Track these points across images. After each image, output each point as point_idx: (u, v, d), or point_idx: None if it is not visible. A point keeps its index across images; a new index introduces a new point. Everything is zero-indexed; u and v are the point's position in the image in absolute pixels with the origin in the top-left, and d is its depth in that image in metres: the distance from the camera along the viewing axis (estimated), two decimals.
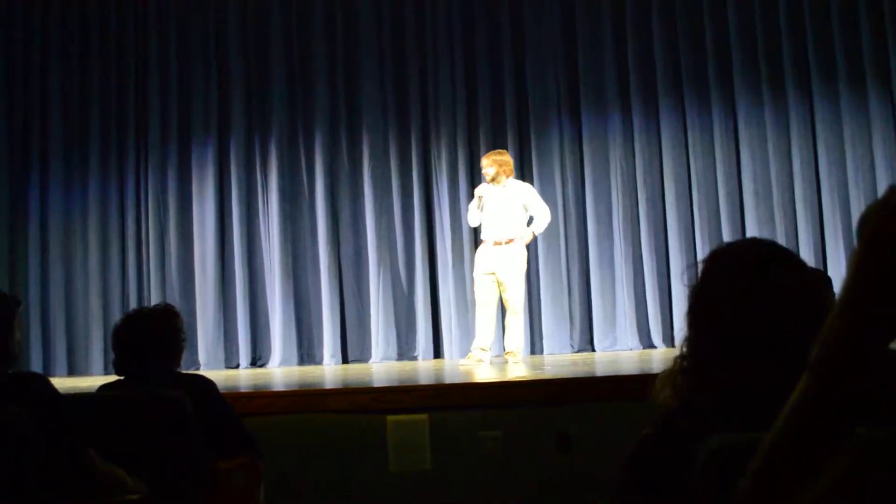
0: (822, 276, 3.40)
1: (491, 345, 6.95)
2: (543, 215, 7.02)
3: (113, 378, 3.45)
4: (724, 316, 1.64)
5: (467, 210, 7.29)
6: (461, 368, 6.63)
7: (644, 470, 1.68)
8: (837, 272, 7.75)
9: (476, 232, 7.84)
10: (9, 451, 2.18)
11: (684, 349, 1.73)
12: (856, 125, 7.91)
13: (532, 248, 8.17)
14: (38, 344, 8.62)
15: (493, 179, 6.93)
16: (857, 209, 7.81)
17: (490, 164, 6.96)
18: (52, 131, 8.91)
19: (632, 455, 1.71)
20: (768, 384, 1.52)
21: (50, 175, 8.88)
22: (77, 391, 3.87)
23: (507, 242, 6.84)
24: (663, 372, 1.78)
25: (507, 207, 6.90)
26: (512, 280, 6.83)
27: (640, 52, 8.30)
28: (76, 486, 2.41)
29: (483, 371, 6.28)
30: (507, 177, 6.99)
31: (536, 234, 7.13)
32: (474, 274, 7.04)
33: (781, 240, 7.86)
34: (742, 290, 1.64)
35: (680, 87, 8.25)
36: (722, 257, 1.73)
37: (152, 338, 3.22)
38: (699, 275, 1.72)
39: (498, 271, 6.83)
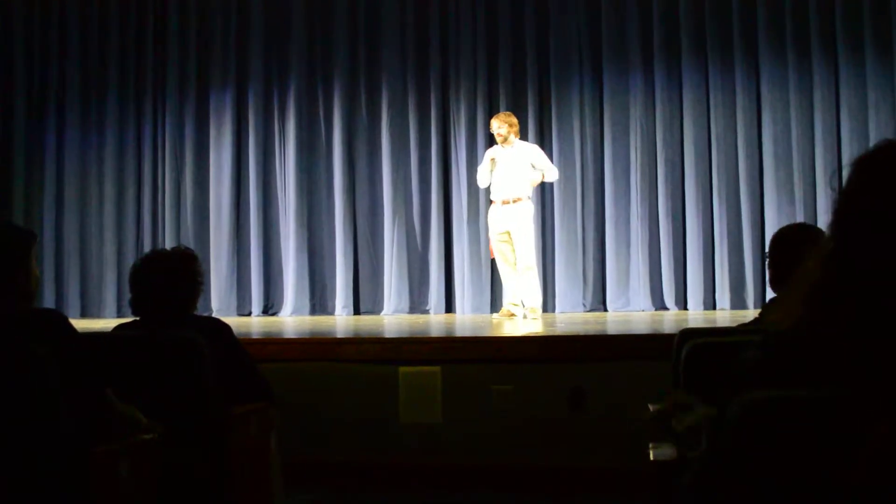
0: None
1: (520, 300, 7.06)
2: (551, 172, 7.26)
3: (127, 319, 3.45)
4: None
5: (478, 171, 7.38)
6: (493, 321, 6.89)
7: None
8: None
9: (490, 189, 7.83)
10: (29, 387, 2.19)
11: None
12: (880, 90, 7.77)
13: (548, 205, 8.16)
14: (51, 285, 8.69)
15: (504, 140, 7.06)
16: None
17: (501, 124, 7.11)
18: (70, 78, 8.93)
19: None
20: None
21: (67, 121, 8.90)
22: (93, 331, 3.89)
23: (514, 201, 7.01)
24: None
25: (515, 167, 7.06)
26: (521, 236, 6.99)
27: (664, 9, 8.17)
28: (93, 423, 2.42)
29: (496, 326, 6.31)
30: (515, 137, 7.16)
31: (546, 178, 7.27)
32: (490, 235, 7.25)
33: (799, 205, 7.80)
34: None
35: (704, 47, 8.12)
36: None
37: (170, 279, 3.21)
38: (851, 177, 1.40)
39: (510, 229, 7.01)
